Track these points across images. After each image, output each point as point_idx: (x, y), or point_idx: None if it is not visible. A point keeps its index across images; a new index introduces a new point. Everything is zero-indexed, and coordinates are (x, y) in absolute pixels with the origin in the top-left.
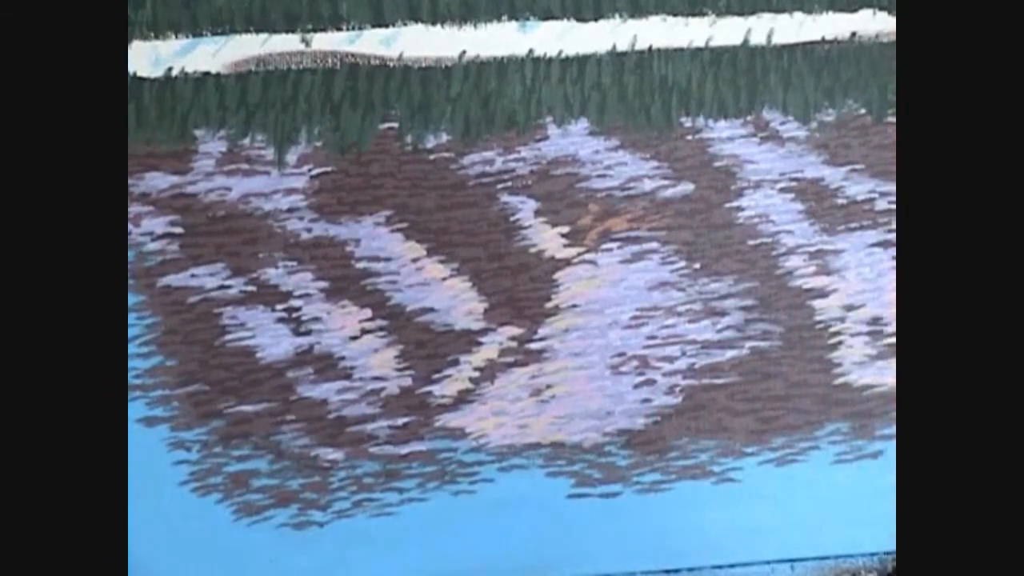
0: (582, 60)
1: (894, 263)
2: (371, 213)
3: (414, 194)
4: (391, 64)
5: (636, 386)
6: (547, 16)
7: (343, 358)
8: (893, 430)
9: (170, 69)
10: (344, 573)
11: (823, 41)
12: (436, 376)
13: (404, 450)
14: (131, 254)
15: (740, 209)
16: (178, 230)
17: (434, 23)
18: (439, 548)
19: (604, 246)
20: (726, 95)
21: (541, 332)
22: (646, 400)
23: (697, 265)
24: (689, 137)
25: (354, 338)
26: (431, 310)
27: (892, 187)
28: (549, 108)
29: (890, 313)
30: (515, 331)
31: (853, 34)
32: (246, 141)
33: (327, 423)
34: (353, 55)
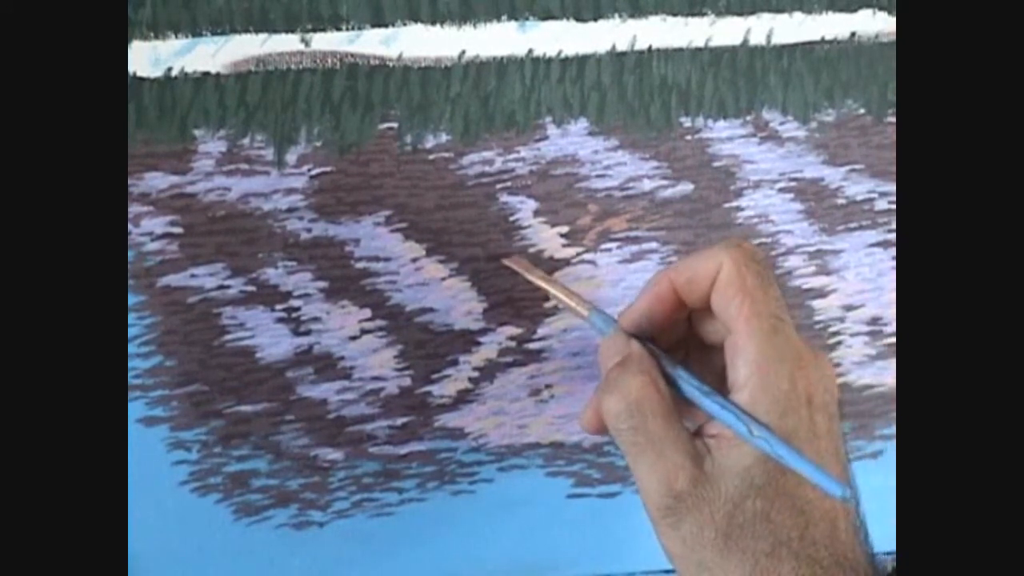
0: (582, 60)
1: (894, 263)
2: (371, 213)
3: (414, 194)
4: (391, 64)
5: None
6: (547, 16)
7: (343, 358)
8: (893, 430)
9: (170, 69)
10: (344, 573)
11: (823, 41)
12: (435, 376)
13: (403, 450)
14: (131, 254)
15: (740, 209)
16: (178, 230)
17: (434, 23)
18: (439, 548)
19: (603, 246)
20: (726, 95)
21: (540, 332)
22: None
23: None
24: (689, 137)
25: (354, 338)
26: (431, 310)
27: (892, 187)
28: (549, 108)
29: (890, 313)
30: (514, 331)
31: (853, 34)
32: (246, 141)
33: (327, 423)
34: (353, 55)
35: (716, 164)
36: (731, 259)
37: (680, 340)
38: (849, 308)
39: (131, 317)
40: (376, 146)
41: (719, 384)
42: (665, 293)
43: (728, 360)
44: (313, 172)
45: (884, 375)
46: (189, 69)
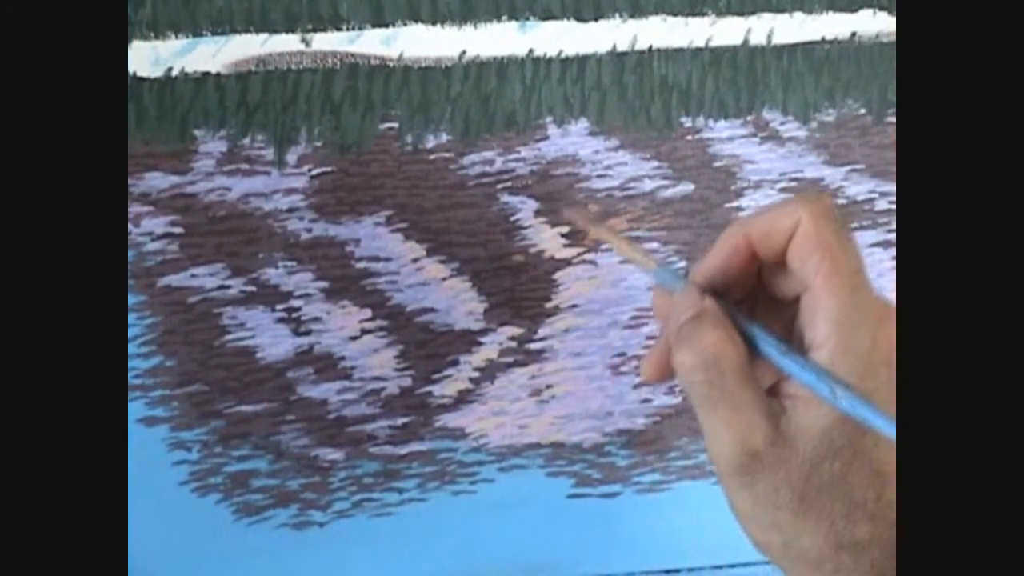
0: (582, 60)
1: (894, 263)
2: (371, 213)
3: (414, 194)
4: (391, 64)
5: (636, 386)
6: (547, 16)
7: (343, 358)
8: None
9: (170, 69)
10: (344, 573)
11: (823, 41)
12: (436, 376)
13: (404, 450)
14: (131, 254)
15: (740, 209)
16: (178, 230)
17: (434, 23)
18: (439, 548)
19: (604, 246)
20: (726, 95)
21: (541, 332)
22: (646, 400)
23: None
24: (689, 137)
25: (354, 338)
26: (431, 310)
27: (892, 187)
28: (549, 108)
29: None
30: (515, 331)
31: (853, 34)
32: (246, 141)
33: (327, 423)
34: (353, 55)
35: (717, 164)
36: (810, 214)
37: (748, 295)
38: None
39: (131, 317)
40: (376, 146)
41: (788, 340)
42: (740, 247)
43: (805, 318)
44: (313, 172)
45: None
46: (189, 69)
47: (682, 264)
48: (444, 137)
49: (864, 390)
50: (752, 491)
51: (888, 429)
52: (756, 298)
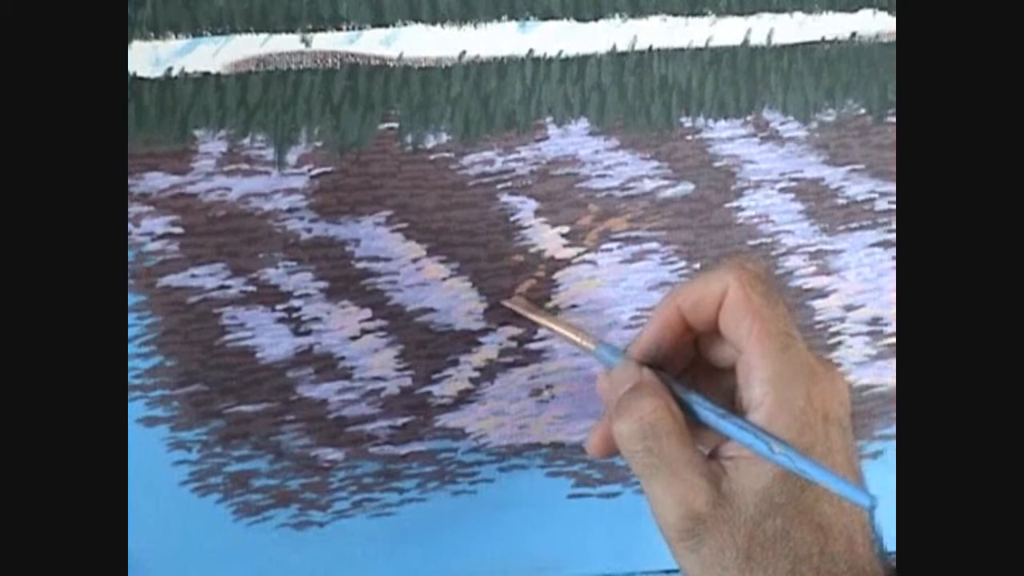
0: (582, 60)
1: (894, 263)
2: (371, 213)
3: (414, 194)
4: (391, 64)
5: None
6: (547, 16)
7: (343, 358)
8: (893, 430)
9: (170, 69)
10: (344, 573)
11: (823, 41)
12: (436, 376)
13: (404, 450)
14: (131, 254)
15: (740, 209)
16: (178, 230)
17: (434, 23)
18: (439, 548)
19: (604, 246)
20: (726, 95)
21: (541, 332)
22: None
23: (697, 265)
24: (689, 137)
25: (354, 338)
26: (431, 310)
27: (892, 187)
28: (549, 108)
29: (890, 313)
30: (515, 331)
31: (853, 34)
32: (246, 141)
33: (327, 423)
34: (353, 55)
35: (717, 164)
36: (736, 280)
37: (687, 366)
38: (849, 308)
39: (131, 317)
40: (376, 146)
41: (728, 406)
42: (672, 319)
43: (741, 380)
44: (313, 172)
45: (884, 375)
46: (189, 69)
47: (681, 264)
48: (444, 137)
49: (801, 446)
50: (699, 555)
51: (828, 481)
52: (696, 369)
